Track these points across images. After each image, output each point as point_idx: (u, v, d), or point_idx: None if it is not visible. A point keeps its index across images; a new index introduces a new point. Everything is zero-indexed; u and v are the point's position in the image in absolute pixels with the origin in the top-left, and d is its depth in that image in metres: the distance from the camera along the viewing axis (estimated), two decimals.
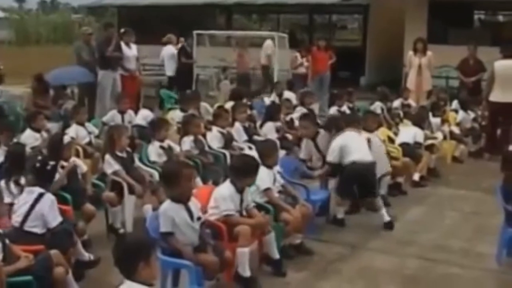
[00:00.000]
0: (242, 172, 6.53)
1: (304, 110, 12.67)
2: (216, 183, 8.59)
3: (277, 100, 14.19)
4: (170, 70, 18.76)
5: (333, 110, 13.40)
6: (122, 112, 11.58)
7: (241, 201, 6.51)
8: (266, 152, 7.36)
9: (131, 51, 14.68)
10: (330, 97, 15.32)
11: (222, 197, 6.42)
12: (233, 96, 13.56)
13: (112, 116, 11.56)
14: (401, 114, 13.08)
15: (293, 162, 9.04)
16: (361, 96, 15.70)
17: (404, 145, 10.44)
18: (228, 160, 9.49)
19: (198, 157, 9.21)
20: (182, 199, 5.79)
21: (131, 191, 7.79)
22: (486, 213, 8.85)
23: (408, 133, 10.81)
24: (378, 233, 8.21)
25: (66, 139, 7.79)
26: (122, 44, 14.52)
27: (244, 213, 6.54)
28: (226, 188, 6.53)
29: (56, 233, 5.99)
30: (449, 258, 7.40)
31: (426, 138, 10.95)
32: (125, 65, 14.55)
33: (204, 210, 6.28)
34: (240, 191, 6.50)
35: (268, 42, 20.45)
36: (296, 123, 12.29)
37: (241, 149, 10.19)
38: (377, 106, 13.03)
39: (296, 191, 7.68)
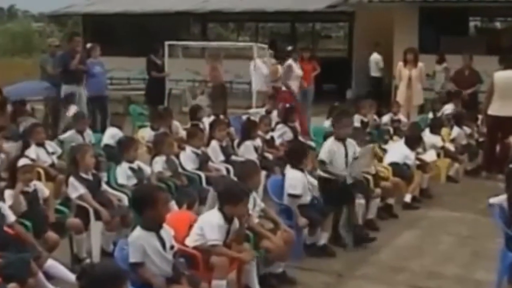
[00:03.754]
0: (232, 199, 6.39)
1: (285, 128, 12.67)
2: (190, 207, 8.61)
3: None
4: None
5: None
6: (80, 132, 11.50)
7: (228, 232, 6.41)
8: (245, 174, 7.27)
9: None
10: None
11: (210, 225, 6.33)
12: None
13: (71, 136, 11.42)
14: (391, 130, 13.17)
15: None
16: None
17: (393, 164, 10.45)
18: (204, 183, 9.50)
19: (171, 179, 9.22)
20: (153, 226, 5.78)
21: (98, 217, 7.74)
22: (484, 237, 8.93)
23: (398, 152, 10.77)
24: (367, 260, 8.22)
25: (24, 161, 7.61)
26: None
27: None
28: (214, 216, 6.41)
29: (12, 262, 5.94)
30: (444, 285, 7.45)
31: (417, 158, 10.93)
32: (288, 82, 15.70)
33: (181, 238, 6.28)
34: (229, 221, 6.39)
35: (378, 56, 20.94)
36: (277, 141, 12.29)
37: (218, 170, 10.20)
38: (356, 119, 13.08)
39: (277, 214, 7.68)
